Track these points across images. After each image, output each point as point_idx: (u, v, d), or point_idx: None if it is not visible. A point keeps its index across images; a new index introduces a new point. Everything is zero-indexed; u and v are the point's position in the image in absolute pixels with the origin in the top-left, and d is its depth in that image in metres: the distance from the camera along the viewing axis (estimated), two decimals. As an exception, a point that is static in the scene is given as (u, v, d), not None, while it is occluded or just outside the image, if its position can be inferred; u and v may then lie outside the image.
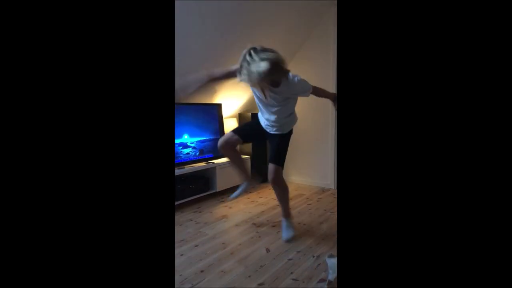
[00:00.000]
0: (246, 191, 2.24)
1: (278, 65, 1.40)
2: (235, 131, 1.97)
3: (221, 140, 1.96)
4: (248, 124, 2.09)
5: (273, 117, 1.80)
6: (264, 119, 1.87)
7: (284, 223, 2.00)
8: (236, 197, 2.19)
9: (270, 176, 1.84)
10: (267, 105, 1.76)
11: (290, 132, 1.93)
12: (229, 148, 1.97)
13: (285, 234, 1.94)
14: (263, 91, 1.62)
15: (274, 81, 1.57)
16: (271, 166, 1.83)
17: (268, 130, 1.90)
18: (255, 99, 1.82)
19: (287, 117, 1.82)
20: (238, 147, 2.07)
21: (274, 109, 1.76)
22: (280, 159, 1.86)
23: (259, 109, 1.88)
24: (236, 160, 2.09)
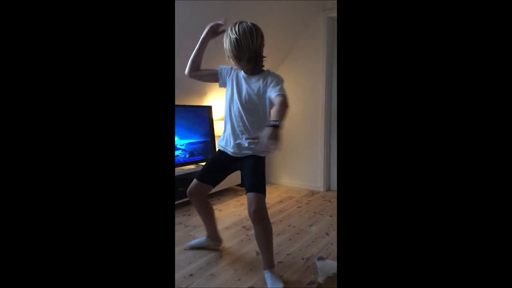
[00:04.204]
0: (207, 247, 1.81)
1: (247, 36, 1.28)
2: (200, 177, 1.59)
3: (188, 190, 1.62)
4: (211, 161, 1.64)
5: (250, 119, 1.41)
6: (233, 134, 1.45)
7: (269, 276, 1.43)
8: (193, 246, 1.83)
9: (251, 208, 1.35)
10: (241, 103, 1.40)
11: (264, 157, 1.50)
12: (198, 199, 1.64)
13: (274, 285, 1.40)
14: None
15: (248, 66, 1.35)
16: (251, 196, 1.36)
17: (237, 155, 1.47)
18: (227, 98, 1.46)
19: (261, 127, 1.22)
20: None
21: (251, 107, 1.41)
22: (261, 186, 1.40)
23: (226, 120, 1.49)
24: (203, 212, 1.71)
